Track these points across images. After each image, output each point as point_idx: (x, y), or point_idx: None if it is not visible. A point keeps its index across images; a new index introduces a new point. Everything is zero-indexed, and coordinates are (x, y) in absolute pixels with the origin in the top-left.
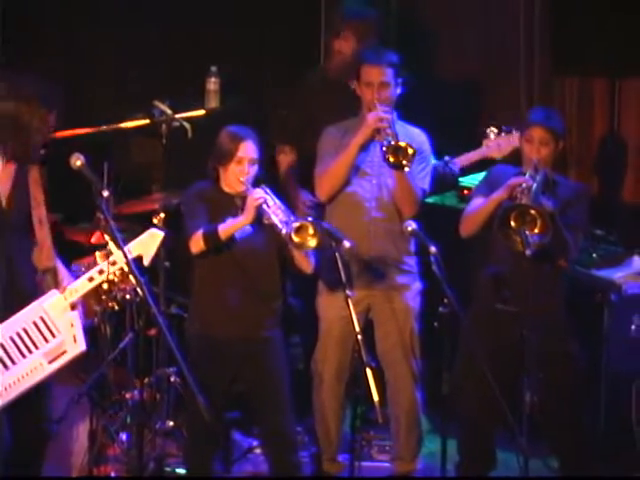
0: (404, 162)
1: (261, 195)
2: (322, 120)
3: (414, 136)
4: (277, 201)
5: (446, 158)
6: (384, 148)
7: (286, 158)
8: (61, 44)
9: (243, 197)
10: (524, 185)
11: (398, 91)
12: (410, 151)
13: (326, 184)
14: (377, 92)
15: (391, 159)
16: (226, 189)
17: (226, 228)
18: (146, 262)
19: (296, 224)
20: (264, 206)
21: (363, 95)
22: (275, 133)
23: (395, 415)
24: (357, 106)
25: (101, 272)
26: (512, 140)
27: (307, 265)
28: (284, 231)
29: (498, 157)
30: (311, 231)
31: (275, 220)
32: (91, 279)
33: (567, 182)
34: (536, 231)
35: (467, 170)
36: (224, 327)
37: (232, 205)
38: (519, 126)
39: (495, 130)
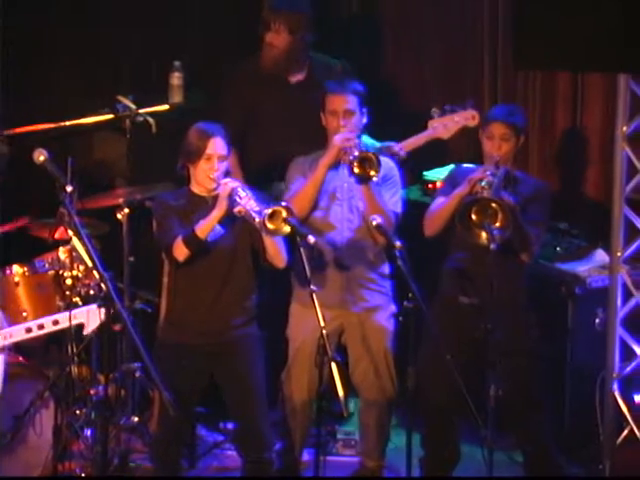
0: (371, 173)
1: (230, 184)
2: (262, 116)
3: (383, 162)
4: (248, 191)
5: (388, 144)
6: (350, 162)
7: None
8: (25, 40)
9: (214, 196)
10: (485, 180)
11: (364, 120)
12: (374, 159)
13: (295, 207)
14: (342, 119)
15: (357, 170)
16: (196, 190)
17: (202, 226)
18: (86, 331)
19: (268, 210)
20: (236, 197)
21: (328, 124)
22: None
23: (364, 424)
24: (295, 98)
25: (40, 327)
26: (458, 119)
27: (280, 260)
28: (257, 219)
29: (446, 137)
30: (284, 215)
31: (248, 209)
32: (29, 330)
33: (528, 179)
34: (497, 225)
35: (415, 153)
36: (196, 331)
37: (204, 206)
38: (463, 105)
39: (438, 111)
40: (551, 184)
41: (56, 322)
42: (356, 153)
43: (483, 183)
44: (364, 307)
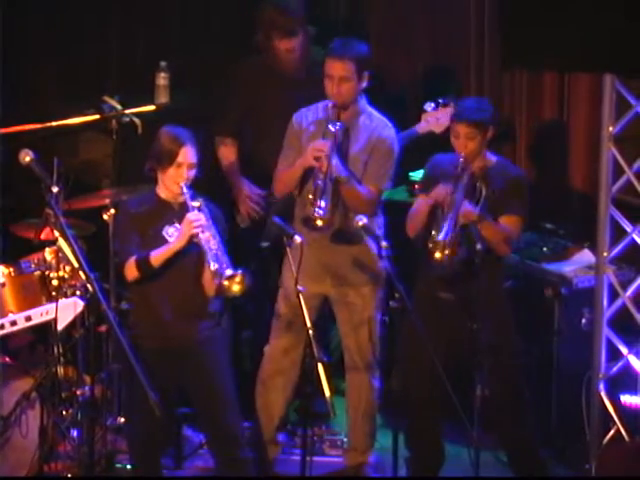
0: (318, 222)
1: (198, 223)
2: (262, 112)
3: (378, 129)
4: (213, 230)
5: None
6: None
7: (227, 150)
8: (11, 40)
9: (180, 202)
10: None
11: (364, 84)
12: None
13: (279, 186)
14: (337, 86)
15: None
16: (162, 195)
17: (157, 255)
18: (59, 327)
19: (229, 272)
20: (199, 233)
21: (326, 87)
22: (216, 124)
23: (352, 403)
24: (297, 95)
25: (13, 323)
26: (451, 112)
27: (210, 289)
28: (213, 267)
29: (438, 131)
30: (238, 279)
31: (207, 252)
32: (1, 327)
33: (504, 168)
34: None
35: (410, 147)
36: (159, 337)
37: (169, 211)
38: (456, 98)
39: (432, 104)
40: (537, 183)
41: (29, 318)
42: (319, 205)
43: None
44: (352, 277)
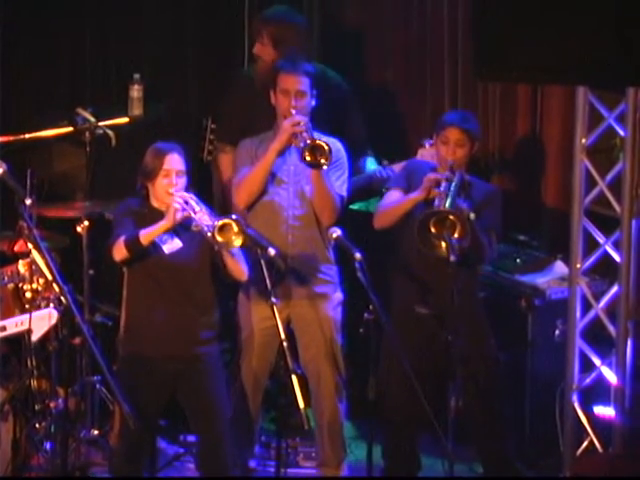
0: (322, 160)
1: (182, 196)
2: (261, 123)
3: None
4: (202, 206)
5: (384, 162)
6: (301, 149)
7: (227, 157)
8: None
9: None
10: (442, 188)
11: (313, 103)
12: (326, 148)
13: (243, 192)
14: (294, 100)
15: (308, 158)
16: (155, 205)
17: (147, 233)
18: (34, 338)
19: (218, 223)
20: (191, 213)
21: (279, 104)
22: (219, 130)
23: (319, 424)
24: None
25: None
26: None
27: (240, 273)
28: (209, 233)
29: None
30: (235, 229)
31: (200, 223)
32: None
33: (480, 183)
34: (455, 236)
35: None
36: (156, 347)
37: (162, 219)
38: None
39: (430, 140)
40: (510, 194)
41: (3, 328)
42: (308, 141)
43: (440, 189)
44: (310, 295)
